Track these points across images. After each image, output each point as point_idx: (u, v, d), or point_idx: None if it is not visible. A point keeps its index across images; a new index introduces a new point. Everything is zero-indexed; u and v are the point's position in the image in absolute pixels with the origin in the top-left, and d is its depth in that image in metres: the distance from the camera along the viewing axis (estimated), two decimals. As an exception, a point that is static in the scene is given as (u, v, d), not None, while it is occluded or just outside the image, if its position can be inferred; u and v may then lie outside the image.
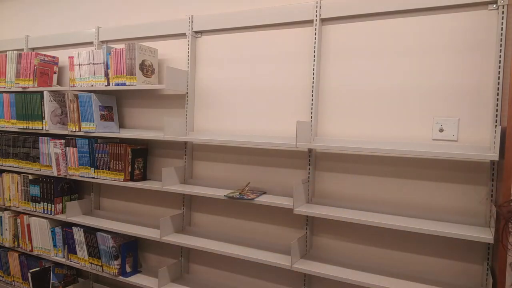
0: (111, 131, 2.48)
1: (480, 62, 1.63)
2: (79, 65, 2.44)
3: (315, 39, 1.93)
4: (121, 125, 2.61)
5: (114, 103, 2.55)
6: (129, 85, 2.24)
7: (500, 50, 1.55)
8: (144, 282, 2.27)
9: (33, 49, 3.00)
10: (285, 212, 2.08)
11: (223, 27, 2.20)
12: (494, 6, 1.59)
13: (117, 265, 2.36)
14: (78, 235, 2.50)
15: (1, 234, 2.89)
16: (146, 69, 2.29)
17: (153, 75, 2.34)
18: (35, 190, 2.67)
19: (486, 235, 1.44)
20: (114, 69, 2.31)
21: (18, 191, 2.77)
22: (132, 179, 2.35)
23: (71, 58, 2.47)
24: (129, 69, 2.25)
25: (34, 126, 2.65)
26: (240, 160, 2.20)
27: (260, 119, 2.14)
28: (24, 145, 2.74)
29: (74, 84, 2.47)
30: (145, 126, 2.52)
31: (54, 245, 2.62)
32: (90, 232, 2.44)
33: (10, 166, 2.81)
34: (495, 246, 1.49)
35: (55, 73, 2.80)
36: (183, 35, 2.36)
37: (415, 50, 1.75)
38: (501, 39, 1.55)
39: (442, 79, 1.70)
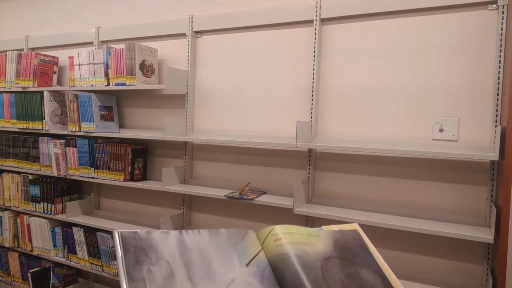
0: (111, 131, 2.48)
1: (480, 62, 1.63)
2: (79, 65, 2.44)
3: (315, 39, 1.93)
4: (121, 125, 2.61)
5: (114, 103, 2.55)
6: (129, 85, 2.24)
7: (500, 50, 1.55)
8: (144, 282, 2.27)
9: (33, 49, 3.00)
10: (285, 212, 2.08)
11: (223, 27, 2.20)
12: (494, 6, 1.59)
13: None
14: (78, 235, 2.50)
15: (1, 234, 2.89)
16: (146, 69, 2.29)
17: (153, 75, 2.34)
18: (35, 190, 2.67)
19: (486, 235, 1.44)
20: (114, 69, 2.31)
21: (18, 191, 2.77)
22: (132, 179, 2.35)
23: (71, 58, 2.47)
24: (129, 69, 2.25)
25: (34, 126, 2.65)
26: (240, 160, 2.20)
27: (260, 119, 2.14)
28: (24, 145, 2.74)
29: (74, 84, 2.47)
30: (145, 126, 2.52)
31: (54, 245, 2.62)
32: (90, 232, 2.44)
33: (10, 166, 2.81)
34: (495, 246, 1.49)
35: (55, 73, 2.80)
36: (183, 35, 2.36)
37: (415, 50, 1.76)
38: (501, 39, 1.55)
39: (442, 79, 1.70)
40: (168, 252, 0.56)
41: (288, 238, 0.59)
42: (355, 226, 0.64)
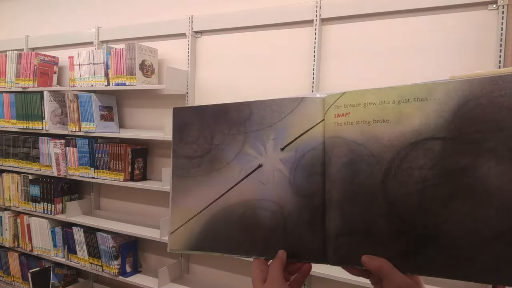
0: (111, 131, 2.48)
1: (480, 62, 1.63)
2: (79, 65, 2.44)
3: (315, 39, 1.93)
4: (121, 125, 2.61)
5: (114, 103, 2.55)
6: (129, 85, 2.24)
7: (500, 50, 1.55)
8: (144, 282, 2.27)
9: (33, 49, 3.00)
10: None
11: (223, 27, 2.20)
12: (494, 6, 1.59)
13: (117, 265, 2.36)
14: (78, 235, 2.50)
15: (1, 234, 2.89)
16: (146, 69, 2.29)
17: (153, 75, 2.34)
18: (35, 190, 2.67)
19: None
20: (114, 69, 2.31)
21: (18, 191, 2.77)
22: (132, 179, 2.35)
23: (71, 58, 2.47)
24: (129, 69, 2.25)
25: (34, 126, 2.65)
26: (240, 160, 2.19)
27: (260, 119, 2.13)
28: (24, 145, 2.74)
29: (74, 84, 2.47)
30: (145, 126, 2.52)
31: (54, 245, 2.62)
32: (90, 232, 2.44)
33: (10, 166, 2.81)
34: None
35: (55, 73, 2.80)
36: (183, 35, 2.36)
37: (415, 50, 1.75)
38: (501, 39, 1.55)
39: (442, 79, 1.70)
40: (209, 129, 0.53)
41: (356, 114, 0.43)
42: None
